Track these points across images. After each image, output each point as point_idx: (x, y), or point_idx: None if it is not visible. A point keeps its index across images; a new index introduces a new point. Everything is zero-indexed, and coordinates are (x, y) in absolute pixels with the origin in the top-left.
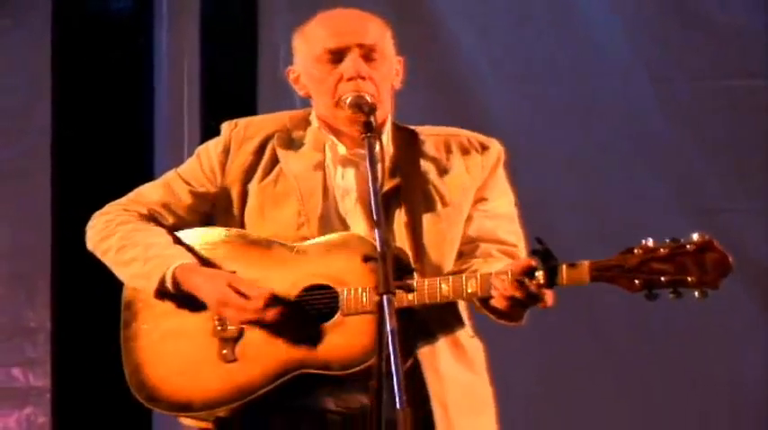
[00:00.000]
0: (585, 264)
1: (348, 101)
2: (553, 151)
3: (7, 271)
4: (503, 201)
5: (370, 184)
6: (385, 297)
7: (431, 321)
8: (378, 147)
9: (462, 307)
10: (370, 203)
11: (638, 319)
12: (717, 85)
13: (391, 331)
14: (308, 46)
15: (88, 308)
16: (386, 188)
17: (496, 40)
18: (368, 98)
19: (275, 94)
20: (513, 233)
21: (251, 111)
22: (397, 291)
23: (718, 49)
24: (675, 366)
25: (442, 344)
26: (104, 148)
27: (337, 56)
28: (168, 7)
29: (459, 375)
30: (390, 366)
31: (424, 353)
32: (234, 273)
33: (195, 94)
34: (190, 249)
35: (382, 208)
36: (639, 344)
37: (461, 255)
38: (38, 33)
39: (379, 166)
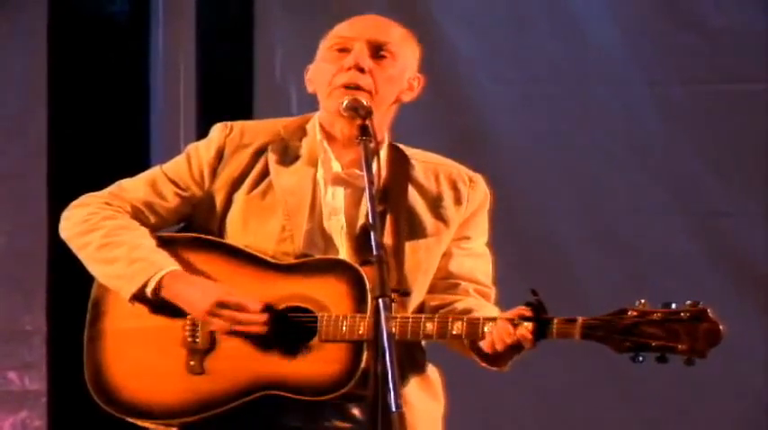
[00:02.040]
0: (579, 321)
1: (344, 104)
2: (550, 154)
3: (3, 274)
4: (482, 240)
5: (367, 188)
6: (381, 300)
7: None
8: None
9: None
10: (367, 211)
11: None
12: (714, 88)
13: (387, 335)
14: (326, 39)
15: (85, 311)
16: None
17: (494, 44)
18: (364, 102)
19: (271, 96)
20: (488, 275)
21: (247, 112)
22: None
23: (715, 53)
24: (674, 370)
25: (408, 373)
26: (100, 151)
27: (345, 45)
28: (164, 9)
29: (424, 403)
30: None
31: None
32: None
33: (191, 97)
34: (172, 255)
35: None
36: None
37: (435, 290)
38: (34, 36)
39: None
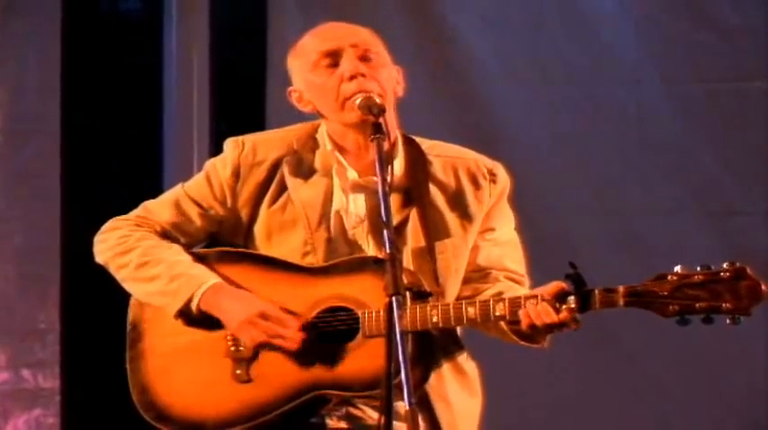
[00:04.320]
0: (620, 289)
1: (357, 102)
2: (564, 154)
3: (18, 272)
4: (508, 227)
5: (379, 186)
6: (394, 298)
7: (434, 348)
8: (389, 162)
9: (460, 330)
10: (380, 213)
11: (643, 321)
12: (731, 86)
13: (401, 333)
14: (302, 58)
15: (98, 309)
16: (399, 218)
17: (508, 44)
18: (377, 100)
19: (285, 93)
20: (519, 262)
21: (260, 110)
22: (419, 314)
23: (731, 51)
24: (678, 369)
25: (447, 371)
26: (115, 149)
27: (333, 58)
28: (177, 7)
29: (464, 402)
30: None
31: (431, 382)
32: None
33: (204, 94)
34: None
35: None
36: (643, 346)
37: (468, 282)
38: (48, 34)
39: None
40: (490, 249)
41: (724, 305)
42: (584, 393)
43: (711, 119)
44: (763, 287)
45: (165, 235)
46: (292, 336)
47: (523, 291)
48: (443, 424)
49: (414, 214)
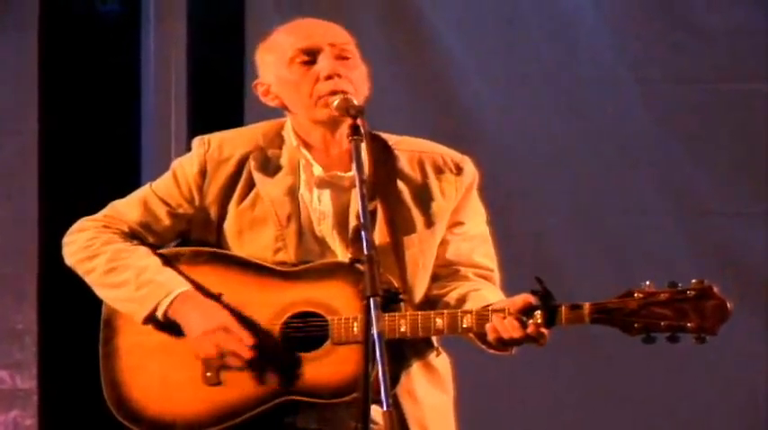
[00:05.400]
0: (586, 306)
1: (335, 104)
2: (541, 155)
3: None
4: (476, 221)
5: (357, 187)
6: (371, 300)
7: (403, 346)
8: (364, 154)
9: None
10: (358, 210)
11: None
12: (707, 87)
13: (378, 334)
14: (276, 53)
15: (75, 310)
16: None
17: (484, 44)
18: (354, 101)
19: None
20: (488, 256)
21: (238, 111)
22: (389, 322)
23: (708, 52)
24: (672, 374)
25: (416, 368)
26: (92, 150)
27: (311, 56)
28: (155, 8)
29: (433, 398)
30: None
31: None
32: (220, 295)
33: (182, 95)
34: (177, 271)
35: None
36: (635, 353)
37: (437, 278)
38: (25, 34)
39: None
40: (459, 244)
41: (688, 324)
42: (573, 397)
43: (689, 119)
44: (729, 306)
45: (134, 235)
46: (244, 353)
47: (488, 288)
48: (410, 419)
49: (379, 209)
